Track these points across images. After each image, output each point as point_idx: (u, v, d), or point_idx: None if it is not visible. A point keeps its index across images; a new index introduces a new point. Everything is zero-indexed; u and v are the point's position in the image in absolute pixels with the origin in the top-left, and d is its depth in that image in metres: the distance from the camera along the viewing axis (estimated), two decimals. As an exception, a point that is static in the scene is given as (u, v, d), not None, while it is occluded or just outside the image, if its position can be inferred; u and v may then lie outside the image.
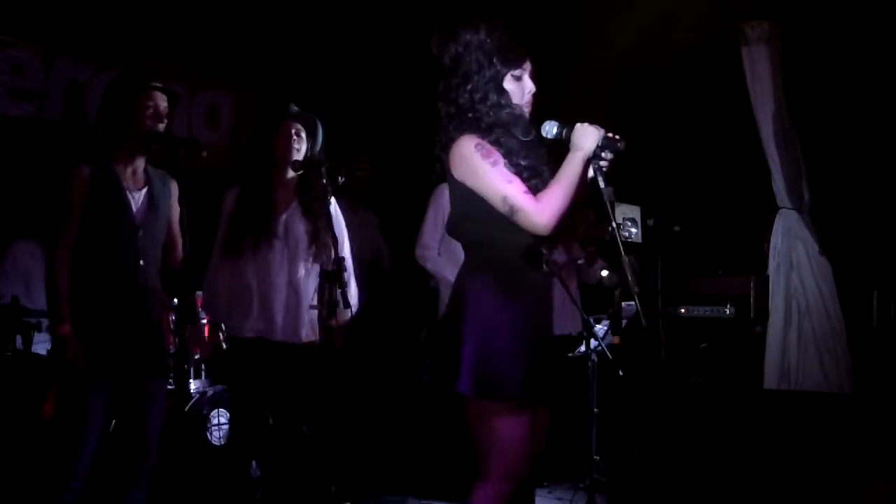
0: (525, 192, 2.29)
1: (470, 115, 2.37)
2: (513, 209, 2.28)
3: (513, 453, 2.31)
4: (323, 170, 3.55)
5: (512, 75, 2.40)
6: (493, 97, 2.36)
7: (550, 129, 2.42)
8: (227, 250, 3.41)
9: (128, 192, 3.04)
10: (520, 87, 2.42)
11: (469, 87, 2.36)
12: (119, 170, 3.04)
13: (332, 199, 3.60)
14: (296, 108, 3.57)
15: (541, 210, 2.27)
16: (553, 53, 5.77)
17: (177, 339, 3.99)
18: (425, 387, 2.47)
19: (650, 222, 4.63)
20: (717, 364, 4.90)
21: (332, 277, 3.41)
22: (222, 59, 5.39)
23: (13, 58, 4.74)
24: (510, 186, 2.29)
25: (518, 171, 2.34)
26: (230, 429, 4.00)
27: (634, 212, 5.23)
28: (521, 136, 2.38)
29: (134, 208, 3.05)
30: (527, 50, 2.42)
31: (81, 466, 2.93)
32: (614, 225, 2.36)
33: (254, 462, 3.91)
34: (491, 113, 2.36)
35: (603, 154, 2.34)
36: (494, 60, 2.37)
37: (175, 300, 4.04)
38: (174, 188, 3.16)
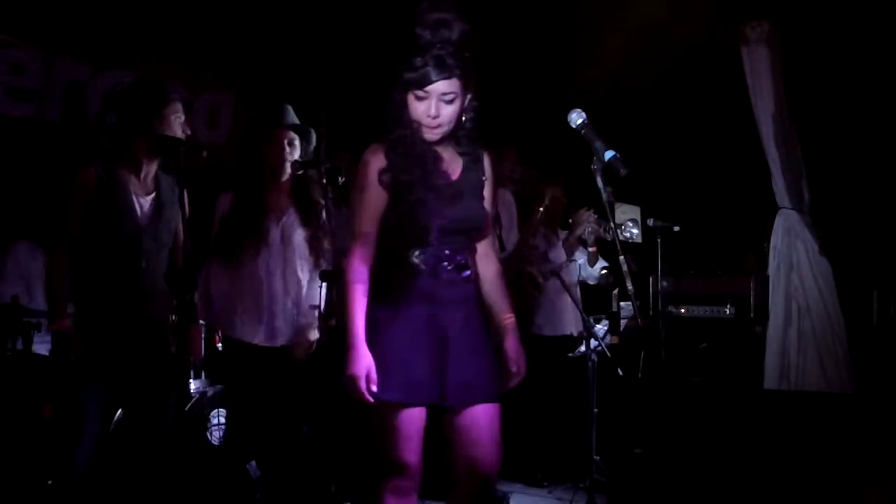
0: (361, 232, 2.42)
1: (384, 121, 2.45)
2: (350, 237, 2.47)
3: (388, 447, 2.38)
4: (322, 170, 3.55)
5: (414, 94, 2.37)
6: (392, 112, 2.42)
7: (576, 119, 2.42)
8: (221, 254, 3.40)
9: (134, 197, 3.06)
10: (420, 107, 2.38)
11: (388, 93, 2.42)
12: (125, 174, 3.07)
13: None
14: (292, 114, 3.55)
15: (348, 260, 2.41)
16: (554, 53, 5.79)
17: (177, 339, 4.01)
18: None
19: (650, 222, 4.62)
20: (717, 364, 4.89)
21: (330, 277, 3.40)
22: (223, 60, 5.39)
23: (13, 58, 4.74)
24: (355, 219, 2.45)
25: (395, 186, 2.41)
26: (227, 429, 3.99)
27: (634, 212, 5.23)
28: (409, 156, 2.40)
29: (139, 213, 3.07)
30: (448, 75, 2.34)
31: (80, 464, 2.94)
32: (613, 225, 2.49)
33: (254, 462, 3.91)
34: (388, 126, 2.43)
35: None
36: (401, 74, 2.37)
37: (175, 300, 4.05)
38: (181, 193, 3.16)
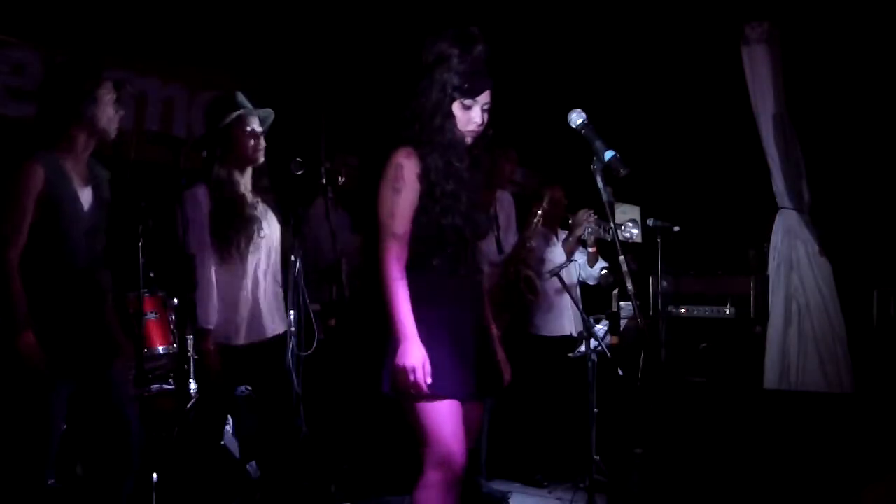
0: (398, 233, 2.47)
1: (416, 125, 2.54)
2: (382, 238, 2.49)
3: (443, 441, 2.46)
4: (322, 170, 3.55)
5: (462, 103, 2.53)
6: (436, 119, 2.52)
7: (576, 119, 2.48)
8: (220, 254, 3.29)
9: (77, 189, 2.93)
10: (466, 116, 2.55)
11: (423, 100, 2.53)
12: (68, 166, 2.93)
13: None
14: (246, 101, 3.45)
15: (385, 260, 2.46)
16: (554, 53, 5.79)
17: (177, 339, 4.00)
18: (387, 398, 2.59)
19: (650, 222, 4.63)
20: (717, 364, 4.90)
21: (331, 276, 3.40)
22: (222, 59, 5.39)
23: (13, 58, 4.73)
24: (392, 220, 2.48)
25: (435, 193, 2.50)
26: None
27: (634, 212, 5.24)
28: (453, 161, 2.53)
29: (85, 206, 2.95)
30: (488, 85, 2.54)
31: (48, 464, 2.90)
32: (613, 225, 2.55)
33: (254, 462, 3.91)
34: (428, 132, 2.52)
35: None
36: (448, 84, 2.50)
37: (175, 300, 4.06)
38: (106, 177, 3.08)
